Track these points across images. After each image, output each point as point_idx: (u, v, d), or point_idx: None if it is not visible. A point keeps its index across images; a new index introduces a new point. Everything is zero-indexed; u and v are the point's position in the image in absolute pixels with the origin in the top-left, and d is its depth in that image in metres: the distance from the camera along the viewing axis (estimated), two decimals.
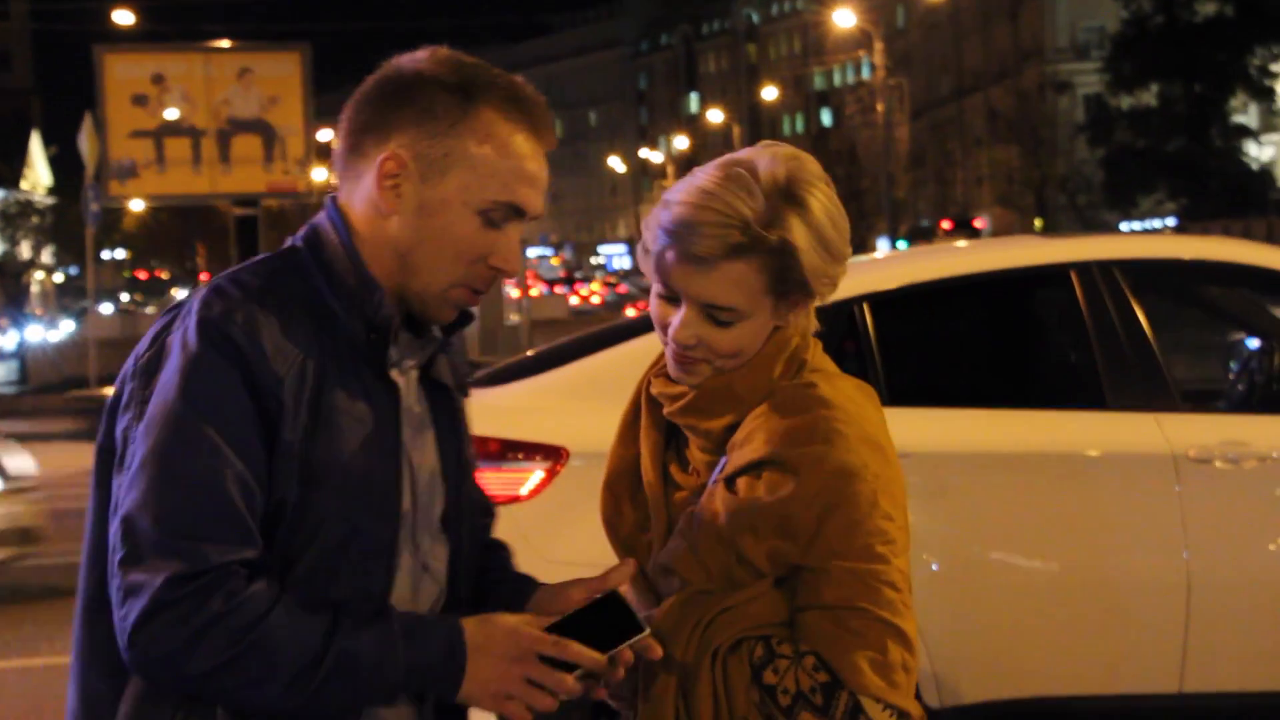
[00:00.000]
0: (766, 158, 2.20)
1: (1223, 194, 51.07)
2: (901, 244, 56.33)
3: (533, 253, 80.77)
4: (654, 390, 2.32)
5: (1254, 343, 6.17)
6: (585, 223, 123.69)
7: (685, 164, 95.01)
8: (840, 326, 4.90)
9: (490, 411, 4.90)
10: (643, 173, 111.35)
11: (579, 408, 4.93)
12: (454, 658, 2.02)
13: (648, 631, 2.10)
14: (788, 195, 2.17)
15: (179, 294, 47.50)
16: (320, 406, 2.02)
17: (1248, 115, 57.33)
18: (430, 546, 2.18)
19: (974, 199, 68.15)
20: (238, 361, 1.98)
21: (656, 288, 2.25)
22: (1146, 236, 6.29)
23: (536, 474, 4.85)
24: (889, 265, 5.92)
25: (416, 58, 2.11)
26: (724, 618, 2.19)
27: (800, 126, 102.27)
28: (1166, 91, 53.34)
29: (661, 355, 2.37)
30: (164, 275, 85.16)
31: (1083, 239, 6.04)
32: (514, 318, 34.35)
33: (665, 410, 2.30)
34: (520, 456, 4.89)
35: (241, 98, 30.37)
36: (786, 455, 2.15)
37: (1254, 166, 55.02)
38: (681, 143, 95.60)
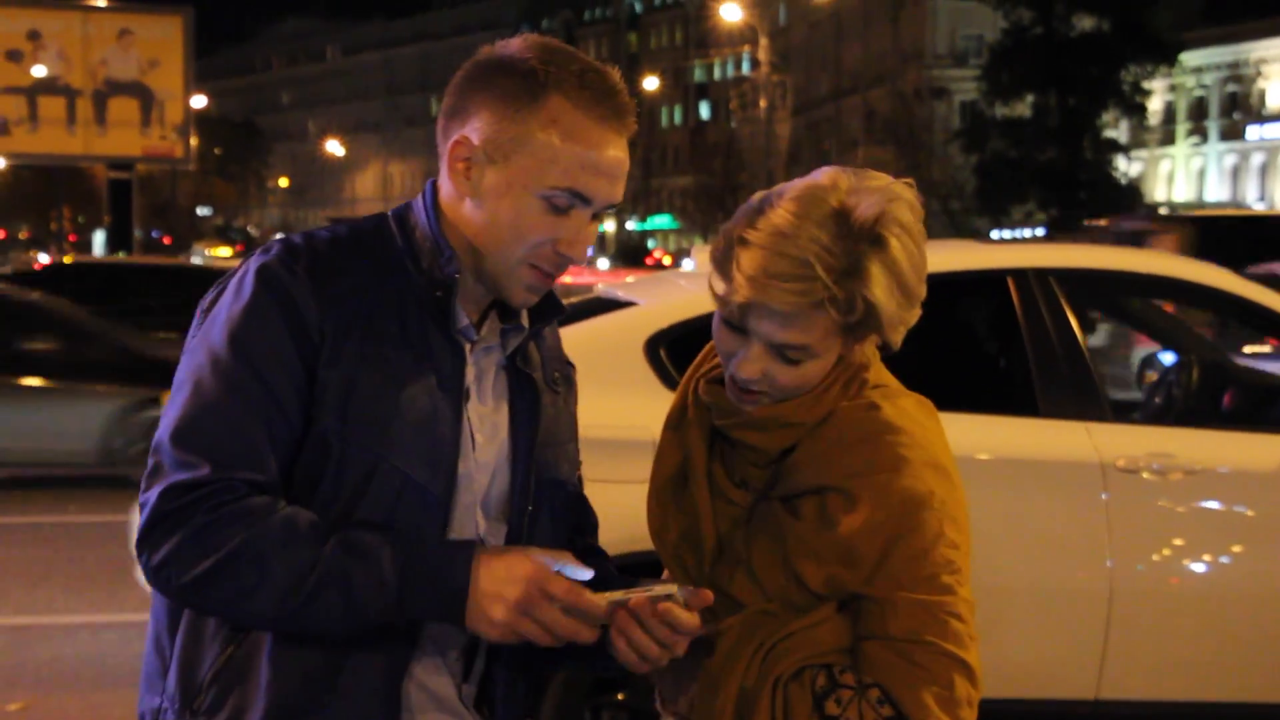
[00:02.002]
0: (869, 197, 2.07)
1: (1092, 205, 52.03)
2: None
3: None
4: (705, 398, 2.24)
5: (1167, 356, 6.26)
6: None
7: None
8: None
9: None
10: None
11: None
12: (454, 580, 1.98)
13: (659, 591, 2.03)
14: (872, 238, 2.06)
15: (41, 256, 46.53)
16: (371, 352, 2.05)
17: (1118, 130, 58.51)
18: (489, 525, 2.17)
19: None
20: (283, 301, 2.03)
21: (724, 313, 2.15)
22: (1082, 247, 6.35)
23: None
24: None
25: (508, 43, 2.13)
26: (786, 643, 2.13)
27: (679, 118, 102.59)
28: (1040, 102, 54.28)
29: (708, 354, 2.31)
30: (24, 235, 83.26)
31: (1020, 246, 6.09)
32: None
33: (718, 422, 2.22)
34: None
35: (120, 59, 29.78)
36: (851, 484, 2.10)
37: (1122, 180, 56.14)
38: None
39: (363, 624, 1.99)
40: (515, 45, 2.11)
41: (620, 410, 4.71)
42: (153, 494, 1.98)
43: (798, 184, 2.12)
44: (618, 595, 2.02)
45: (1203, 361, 6.01)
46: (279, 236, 2.13)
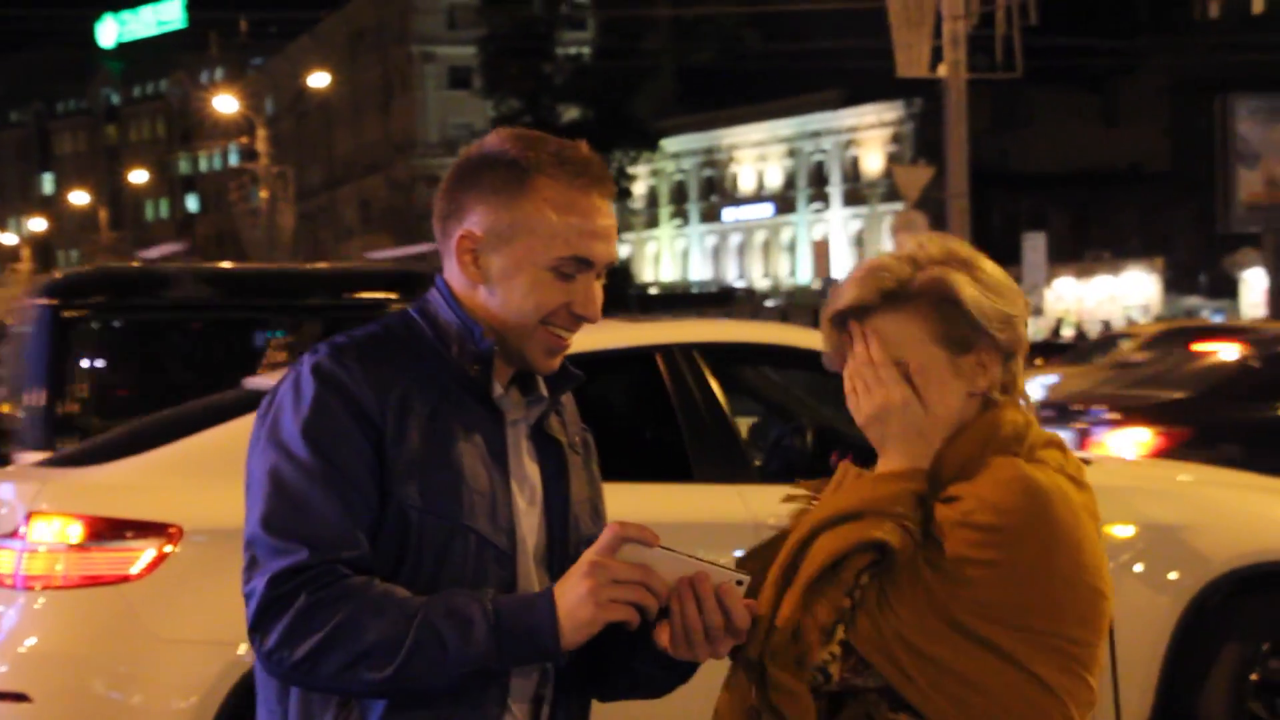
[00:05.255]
0: (913, 244, 2.27)
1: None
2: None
3: None
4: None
5: (779, 420, 6.70)
6: None
7: (41, 246, 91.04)
8: None
9: (97, 490, 5.02)
10: None
11: (192, 484, 5.02)
12: (542, 613, 2.13)
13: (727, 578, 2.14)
14: (946, 259, 2.23)
15: None
16: (428, 428, 2.23)
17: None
18: (529, 575, 2.33)
19: None
20: (341, 392, 2.21)
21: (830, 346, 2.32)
22: (719, 322, 6.73)
23: (148, 553, 4.80)
24: None
25: (483, 141, 2.36)
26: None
27: (165, 211, 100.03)
28: None
29: None
30: None
31: (664, 323, 6.40)
32: None
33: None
34: (130, 535, 4.84)
35: None
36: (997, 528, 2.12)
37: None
38: (38, 224, 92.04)
39: (461, 677, 2.14)
40: (491, 141, 2.34)
41: None
42: (259, 583, 2.13)
43: None
44: (692, 559, 2.14)
45: (811, 423, 6.48)
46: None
